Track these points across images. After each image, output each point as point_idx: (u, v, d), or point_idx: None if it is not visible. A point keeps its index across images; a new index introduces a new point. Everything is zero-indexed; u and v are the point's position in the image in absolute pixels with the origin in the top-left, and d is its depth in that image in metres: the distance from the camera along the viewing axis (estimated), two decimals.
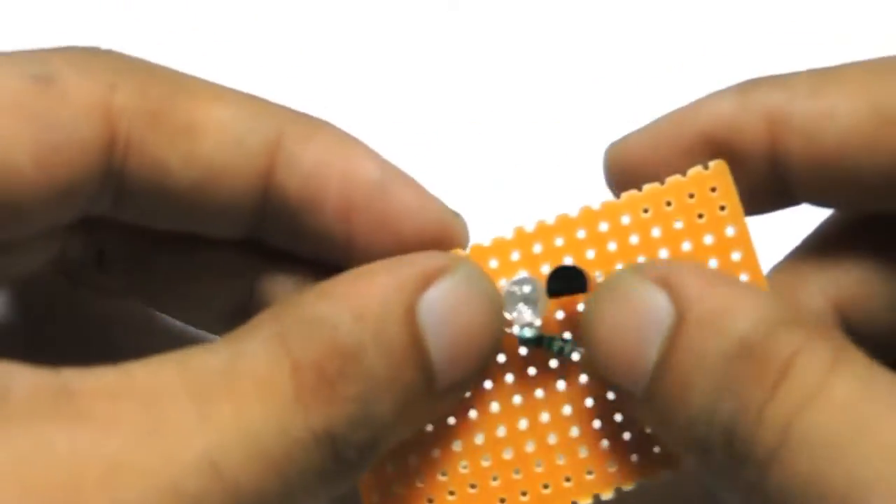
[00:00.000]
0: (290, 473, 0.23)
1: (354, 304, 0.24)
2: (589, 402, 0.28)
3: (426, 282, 0.25)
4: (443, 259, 0.26)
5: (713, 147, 0.27)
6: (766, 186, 0.28)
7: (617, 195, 0.28)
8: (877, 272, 0.28)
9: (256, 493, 0.22)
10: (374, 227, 0.27)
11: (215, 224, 0.28)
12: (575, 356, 0.28)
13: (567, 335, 0.28)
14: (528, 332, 0.28)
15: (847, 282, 0.28)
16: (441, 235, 0.28)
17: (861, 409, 0.22)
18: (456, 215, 0.28)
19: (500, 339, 0.27)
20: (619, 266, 0.28)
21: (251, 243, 0.29)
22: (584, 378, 0.28)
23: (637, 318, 0.25)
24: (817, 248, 0.29)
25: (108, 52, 0.27)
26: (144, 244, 0.29)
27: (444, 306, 0.25)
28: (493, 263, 0.28)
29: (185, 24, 0.39)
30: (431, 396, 0.25)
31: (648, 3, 0.40)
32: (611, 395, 0.28)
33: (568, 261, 0.28)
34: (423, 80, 0.40)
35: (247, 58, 0.40)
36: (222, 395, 0.22)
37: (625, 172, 0.28)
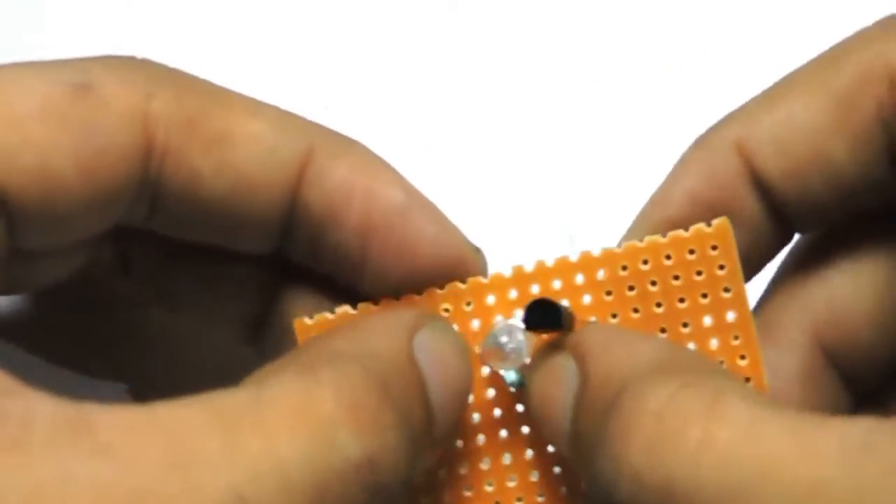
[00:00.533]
0: None
1: (365, 342, 0.25)
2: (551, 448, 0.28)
3: (414, 327, 0.26)
4: (419, 312, 0.27)
5: (701, 209, 0.27)
6: (763, 223, 0.28)
7: None
8: (848, 293, 0.28)
9: None
10: (390, 250, 0.27)
11: (243, 237, 0.28)
12: None
13: None
14: (513, 377, 0.28)
15: (821, 310, 0.28)
16: (458, 267, 0.28)
17: (751, 453, 0.21)
18: (476, 250, 0.28)
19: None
20: (611, 318, 0.28)
21: (273, 257, 0.29)
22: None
23: (553, 386, 0.26)
24: (789, 278, 0.29)
25: (145, 61, 0.27)
26: (170, 254, 0.30)
27: (433, 346, 0.26)
28: (491, 299, 0.28)
29: (185, 24, 0.39)
30: (431, 440, 0.25)
31: (648, 2, 0.40)
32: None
33: (563, 300, 0.28)
34: (423, 80, 0.40)
35: (247, 58, 0.40)
36: (251, 427, 0.22)
37: None
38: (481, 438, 0.28)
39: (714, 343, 0.28)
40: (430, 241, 0.27)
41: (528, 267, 0.28)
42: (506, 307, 0.28)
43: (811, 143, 0.26)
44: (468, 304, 0.28)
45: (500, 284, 0.28)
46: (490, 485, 0.28)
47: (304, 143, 0.27)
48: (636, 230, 0.28)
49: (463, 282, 0.28)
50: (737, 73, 0.39)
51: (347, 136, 0.28)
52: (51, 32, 0.40)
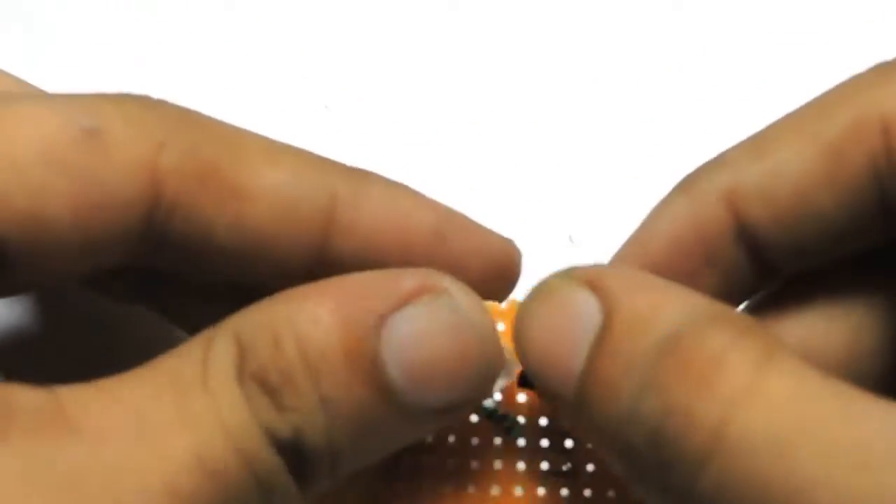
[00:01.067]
0: (261, 471, 0.23)
1: (311, 309, 0.24)
2: (518, 491, 0.28)
3: (392, 306, 0.24)
4: (421, 277, 0.25)
5: (682, 254, 0.27)
6: (745, 269, 0.27)
7: None
8: (834, 311, 0.28)
9: (238, 487, 0.23)
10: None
11: (262, 279, 0.27)
12: (520, 441, 0.28)
13: (521, 419, 0.28)
14: (486, 402, 0.28)
15: (807, 324, 0.28)
16: (501, 266, 0.28)
17: (798, 408, 0.21)
18: (510, 242, 0.28)
19: (495, 366, 0.26)
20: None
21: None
22: (521, 465, 0.28)
23: (565, 320, 0.24)
24: (774, 296, 0.29)
25: (160, 104, 0.26)
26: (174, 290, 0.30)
27: (410, 335, 0.24)
28: (501, 327, 0.28)
29: (184, 24, 0.39)
30: (399, 416, 0.24)
31: (648, 2, 0.40)
32: (541, 492, 0.28)
33: None
34: (423, 80, 0.40)
35: (247, 58, 0.40)
36: (198, 393, 0.23)
37: None
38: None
39: None
40: (472, 252, 0.27)
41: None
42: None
43: (800, 193, 0.26)
44: None
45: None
46: None
47: (325, 192, 0.26)
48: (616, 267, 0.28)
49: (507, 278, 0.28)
50: (737, 74, 0.39)
51: (362, 170, 0.27)
52: (47, 37, 0.40)
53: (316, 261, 0.26)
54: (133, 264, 0.26)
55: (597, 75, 0.39)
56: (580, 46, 0.39)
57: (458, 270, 0.26)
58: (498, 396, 0.28)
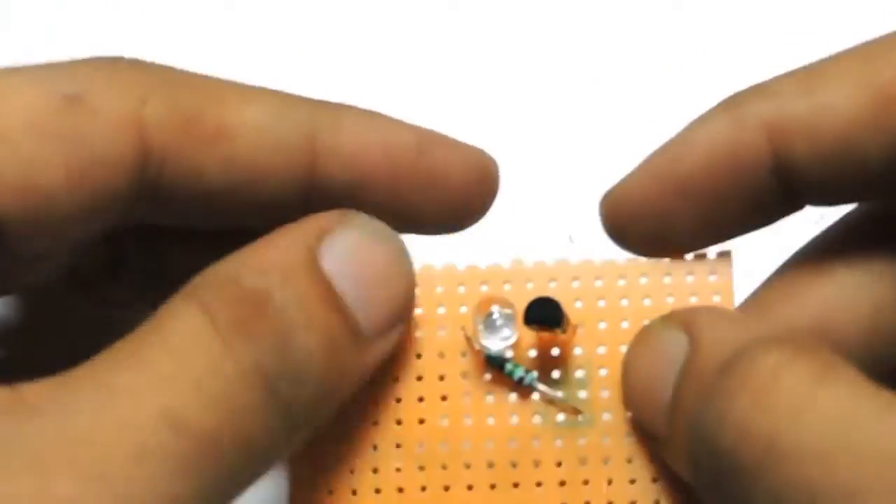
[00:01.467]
0: (238, 415, 0.23)
1: (256, 260, 0.25)
2: (535, 443, 0.28)
3: (323, 232, 0.26)
4: (336, 214, 0.27)
5: (714, 175, 0.27)
6: (773, 197, 0.27)
7: (621, 244, 0.28)
8: (857, 284, 0.28)
9: (214, 438, 0.22)
10: (424, 189, 0.28)
11: (259, 218, 0.27)
12: (535, 395, 0.28)
13: (535, 373, 0.28)
14: (495, 354, 0.28)
15: (829, 297, 0.28)
16: (483, 177, 0.28)
17: (849, 419, 0.22)
18: (487, 153, 0.29)
19: (413, 282, 0.27)
20: (600, 324, 0.29)
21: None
22: (537, 419, 0.28)
23: (657, 357, 0.26)
24: (797, 267, 0.29)
25: (135, 62, 0.27)
26: (161, 253, 0.30)
27: (344, 249, 0.26)
28: (484, 288, 0.29)
29: (184, 24, 0.39)
30: (360, 343, 0.26)
31: (649, 3, 0.40)
32: (559, 444, 0.28)
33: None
34: (423, 80, 0.40)
35: (247, 58, 0.40)
36: (161, 354, 0.23)
37: (624, 222, 0.28)
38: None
39: None
40: (454, 164, 0.28)
41: (528, 264, 0.29)
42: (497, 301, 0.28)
43: (844, 134, 0.25)
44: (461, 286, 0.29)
45: (499, 276, 0.29)
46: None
47: (306, 122, 0.27)
48: (641, 176, 0.27)
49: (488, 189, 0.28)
50: (737, 73, 0.39)
51: (338, 103, 0.28)
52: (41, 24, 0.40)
53: (306, 191, 0.27)
54: (127, 225, 0.27)
55: (597, 75, 0.39)
56: (580, 46, 0.39)
57: (441, 181, 0.28)
58: (510, 353, 0.28)
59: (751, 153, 0.26)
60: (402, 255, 0.27)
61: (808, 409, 0.22)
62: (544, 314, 0.27)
